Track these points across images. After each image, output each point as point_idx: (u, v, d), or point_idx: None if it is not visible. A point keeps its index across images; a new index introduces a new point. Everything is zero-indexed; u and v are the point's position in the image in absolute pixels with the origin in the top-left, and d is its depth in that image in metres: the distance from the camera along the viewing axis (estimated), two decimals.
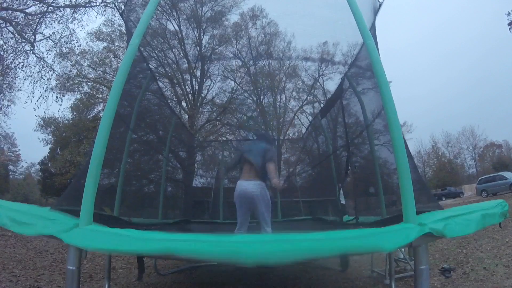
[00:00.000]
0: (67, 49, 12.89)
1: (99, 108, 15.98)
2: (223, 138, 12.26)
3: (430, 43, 67.11)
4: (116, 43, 14.94)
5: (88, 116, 17.09)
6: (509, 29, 15.74)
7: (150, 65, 5.02)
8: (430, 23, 65.77)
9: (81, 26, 13.99)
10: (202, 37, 11.31)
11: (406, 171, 1.83)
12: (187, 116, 12.20)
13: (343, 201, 4.63)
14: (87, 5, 11.88)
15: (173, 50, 10.66)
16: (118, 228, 1.82)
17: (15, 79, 12.16)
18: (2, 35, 11.06)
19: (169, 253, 1.54)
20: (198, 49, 11.46)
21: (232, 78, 12.42)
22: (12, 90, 12.66)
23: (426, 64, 66.91)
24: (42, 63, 12.01)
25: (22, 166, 33.07)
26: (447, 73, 62.91)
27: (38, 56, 11.90)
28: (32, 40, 11.41)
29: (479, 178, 20.25)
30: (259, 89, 12.50)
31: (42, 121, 18.04)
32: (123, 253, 1.69)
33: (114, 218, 3.04)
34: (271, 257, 1.53)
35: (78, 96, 15.93)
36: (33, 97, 12.25)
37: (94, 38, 14.91)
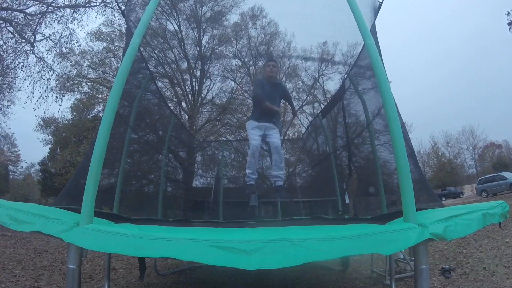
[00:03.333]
0: (67, 49, 12.87)
1: (99, 108, 15.99)
2: (223, 138, 12.25)
3: (425, 44, 67.21)
4: (116, 43, 14.94)
5: (88, 116, 17.08)
6: (509, 29, 15.71)
7: (149, 65, 5.02)
8: (429, 20, 65.88)
9: (81, 26, 13.95)
10: (202, 37, 11.32)
11: (405, 168, 1.82)
12: (187, 116, 12.20)
13: (347, 200, 4.65)
14: (86, 5, 11.86)
15: (173, 50, 10.66)
16: (120, 224, 1.81)
17: (15, 79, 12.13)
18: (2, 35, 11.05)
19: (171, 254, 1.53)
20: (198, 49, 11.46)
21: (232, 78, 12.42)
22: (12, 90, 12.61)
23: (425, 63, 67.02)
24: (42, 63, 11.96)
25: (22, 167, 33.16)
26: (446, 72, 63.05)
27: (38, 56, 11.86)
28: (32, 40, 11.37)
29: (479, 178, 20.23)
30: None
31: (42, 121, 18.08)
32: (124, 253, 1.67)
33: (114, 215, 3.04)
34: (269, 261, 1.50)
35: (78, 96, 15.95)
36: (33, 97, 12.21)
37: (94, 38, 14.93)
